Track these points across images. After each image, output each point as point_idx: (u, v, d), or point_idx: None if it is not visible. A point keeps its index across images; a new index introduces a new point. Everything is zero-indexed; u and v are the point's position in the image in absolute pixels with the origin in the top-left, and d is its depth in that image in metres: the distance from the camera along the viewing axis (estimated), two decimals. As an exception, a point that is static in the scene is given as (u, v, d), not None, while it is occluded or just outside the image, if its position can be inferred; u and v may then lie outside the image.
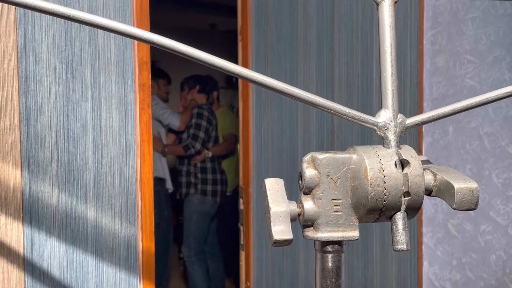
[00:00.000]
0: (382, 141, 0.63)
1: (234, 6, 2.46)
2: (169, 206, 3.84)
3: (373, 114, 0.64)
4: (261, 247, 2.37)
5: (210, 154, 3.74)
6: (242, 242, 2.43)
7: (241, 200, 2.42)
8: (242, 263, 2.45)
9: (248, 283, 2.42)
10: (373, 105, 1.84)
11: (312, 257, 2.11)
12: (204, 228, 3.80)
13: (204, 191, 3.73)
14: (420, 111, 1.73)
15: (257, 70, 2.32)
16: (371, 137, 1.82)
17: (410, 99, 1.75)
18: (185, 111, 3.85)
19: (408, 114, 0.70)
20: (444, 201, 0.65)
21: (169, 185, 3.81)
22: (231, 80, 6.30)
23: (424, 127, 1.75)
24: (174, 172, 4.05)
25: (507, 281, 1.60)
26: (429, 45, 1.73)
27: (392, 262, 1.81)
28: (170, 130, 3.87)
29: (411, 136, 1.77)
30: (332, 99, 2.00)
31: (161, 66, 4.63)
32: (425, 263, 1.75)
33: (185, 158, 3.77)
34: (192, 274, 3.85)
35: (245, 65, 2.36)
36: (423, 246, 1.74)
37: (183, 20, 6.22)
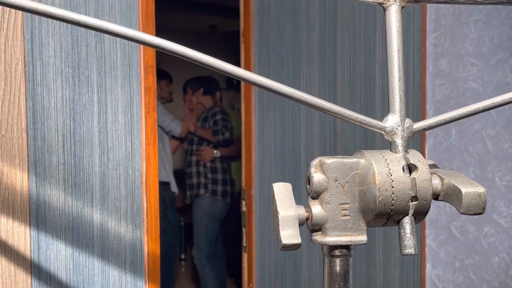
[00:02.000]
0: (390, 145, 0.64)
1: (235, 8, 2.46)
2: (174, 210, 3.83)
3: (375, 116, 0.64)
4: (264, 249, 2.37)
5: (218, 154, 3.75)
6: (244, 244, 2.43)
7: (243, 202, 2.42)
8: (245, 265, 2.45)
9: (250, 285, 2.42)
10: (376, 107, 1.85)
11: (315, 259, 2.12)
12: (215, 231, 3.79)
13: (214, 191, 3.73)
14: (423, 113, 1.73)
15: (259, 72, 2.32)
16: (374, 140, 1.83)
17: (413, 102, 1.76)
18: (188, 115, 3.85)
19: (411, 117, 0.70)
20: (447, 203, 0.66)
21: (174, 188, 3.80)
22: (232, 81, 6.30)
23: (427, 129, 1.75)
24: (181, 175, 4.05)
25: (510, 283, 1.60)
26: (432, 47, 1.73)
27: (395, 265, 1.81)
28: (173, 136, 3.88)
29: (414, 139, 1.77)
30: (335, 102, 2.01)
31: (162, 66, 4.63)
32: (428, 265, 1.75)
33: (194, 159, 3.77)
34: (203, 277, 3.84)
35: (247, 67, 2.36)
36: (426, 248, 1.75)
37: (183, 22, 6.23)
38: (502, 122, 1.61)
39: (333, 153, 2.00)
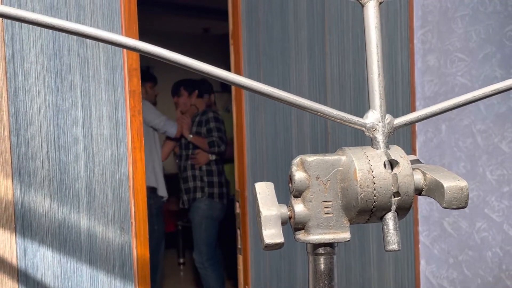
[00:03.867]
0: (371, 142, 0.64)
1: (227, 10, 2.46)
2: (161, 218, 3.81)
3: (366, 114, 0.64)
4: (259, 250, 2.37)
5: (214, 157, 3.76)
6: (239, 246, 2.43)
7: (237, 204, 2.41)
8: (240, 266, 2.44)
9: (246, 286, 2.42)
10: (366, 105, 1.84)
11: (309, 259, 2.11)
12: (214, 233, 3.80)
13: (211, 194, 3.73)
14: (412, 110, 1.73)
15: (249, 73, 2.32)
16: (365, 137, 1.82)
17: (402, 99, 1.76)
18: (182, 116, 3.84)
19: (401, 114, 0.70)
20: (435, 200, 0.66)
21: (162, 193, 3.78)
22: (226, 84, 6.28)
23: (417, 126, 1.75)
24: (174, 179, 4.04)
25: (504, 277, 1.60)
26: (420, 44, 1.73)
27: (389, 262, 1.81)
28: (168, 137, 3.87)
29: (405, 136, 1.77)
30: (325, 100, 2.00)
31: (155, 71, 4.62)
32: (422, 262, 1.75)
33: (189, 163, 3.76)
34: (206, 279, 3.86)
35: (237, 69, 2.36)
36: (419, 245, 1.75)
37: (176, 25, 6.23)
38: (491, 116, 1.61)
39: (324, 152, 2.00)
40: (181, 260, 5.59)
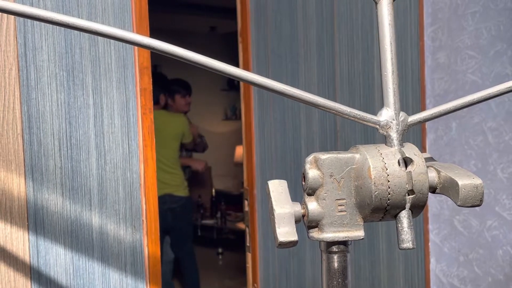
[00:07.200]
0: (385, 139, 0.63)
1: (234, 8, 2.45)
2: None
3: (375, 112, 0.64)
4: (267, 248, 2.37)
5: None
6: (248, 244, 2.43)
7: (246, 202, 2.41)
8: (249, 265, 2.45)
9: (255, 284, 2.42)
10: (375, 103, 1.84)
11: (318, 257, 2.11)
12: None
13: None
14: (422, 107, 1.73)
15: (258, 71, 2.32)
16: (374, 135, 1.82)
17: (412, 96, 1.75)
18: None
19: (411, 111, 0.70)
20: (449, 198, 0.65)
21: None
22: (233, 82, 6.31)
23: (427, 124, 1.74)
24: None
25: (515, 276, 1.59)
26: (430, 41, 1.72)
27: (399, 260, 1.80)
28: None
29: (415, 133, 1.76)
30: (334, 99, 2.00)
31: (163, 69, 4.62)
32: (432, 260, 1.75)
33: None
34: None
35: (246, 66, 2.36)
36: (429, 243, 1.74)
37: (183, 23, 6.23)
38: (502, 114, 1.60)
39: (334, 150, 1.99)
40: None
